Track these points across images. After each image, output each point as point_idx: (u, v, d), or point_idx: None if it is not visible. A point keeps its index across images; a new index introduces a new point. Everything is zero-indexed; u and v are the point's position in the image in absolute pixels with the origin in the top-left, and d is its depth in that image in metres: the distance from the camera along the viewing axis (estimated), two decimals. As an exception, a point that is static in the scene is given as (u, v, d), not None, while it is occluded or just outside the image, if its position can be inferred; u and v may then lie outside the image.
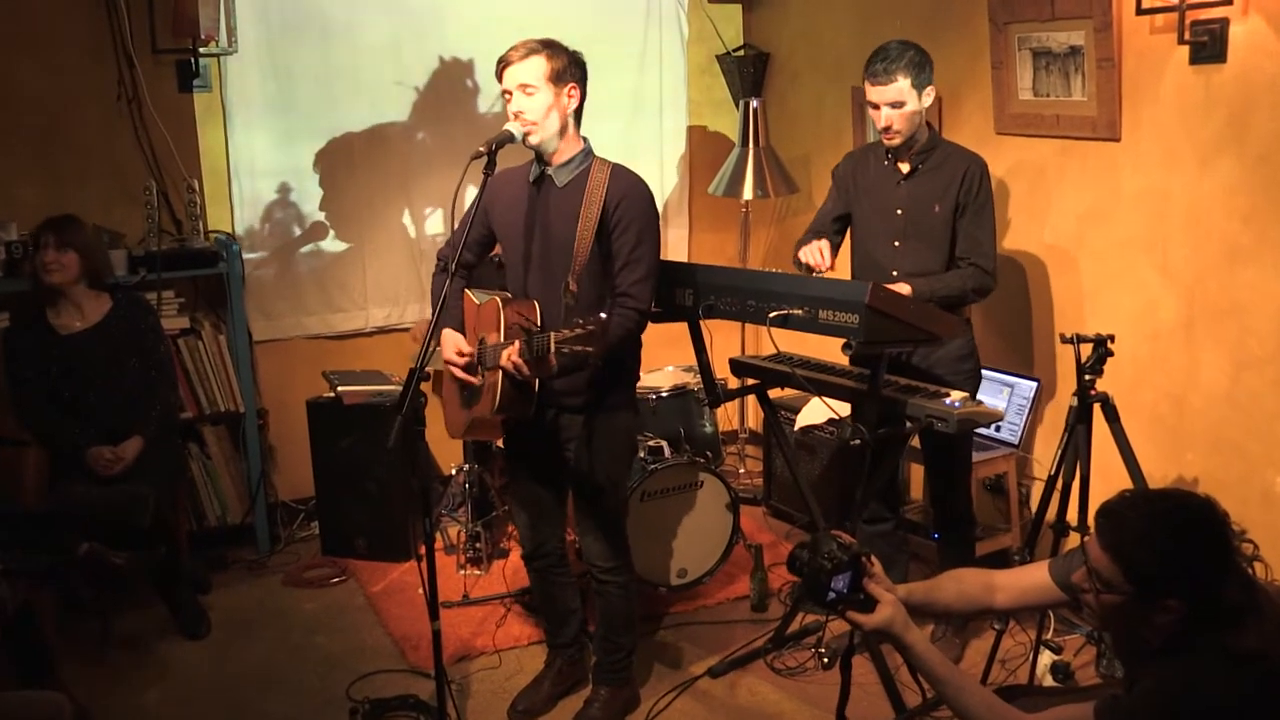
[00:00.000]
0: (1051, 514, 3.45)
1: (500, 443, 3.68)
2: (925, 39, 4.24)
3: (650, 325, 3.36)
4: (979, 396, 3.76)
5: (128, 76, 4.60)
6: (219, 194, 4.88)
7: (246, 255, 4.90)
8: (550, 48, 3.17)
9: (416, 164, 5.17)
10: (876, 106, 3.60)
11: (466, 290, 3.40)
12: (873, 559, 2.28)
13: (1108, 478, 3.56)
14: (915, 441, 3.78)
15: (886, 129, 3.61)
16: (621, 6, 5.46)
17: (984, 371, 4.11)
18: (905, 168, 3.69)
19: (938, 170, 3.63)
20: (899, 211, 3.69)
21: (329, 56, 4.95)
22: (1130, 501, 2.09)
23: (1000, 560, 4.18)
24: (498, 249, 3.42)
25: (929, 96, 3.58)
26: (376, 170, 5.10)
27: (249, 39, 4.78)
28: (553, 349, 2.90)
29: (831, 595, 2.22)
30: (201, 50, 4.67)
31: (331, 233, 5.10)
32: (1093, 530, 2.11)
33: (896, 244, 3.69)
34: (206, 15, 4.49)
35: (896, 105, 3.56)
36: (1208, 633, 2.01)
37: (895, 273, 3.67)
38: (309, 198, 5.03)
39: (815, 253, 3.61)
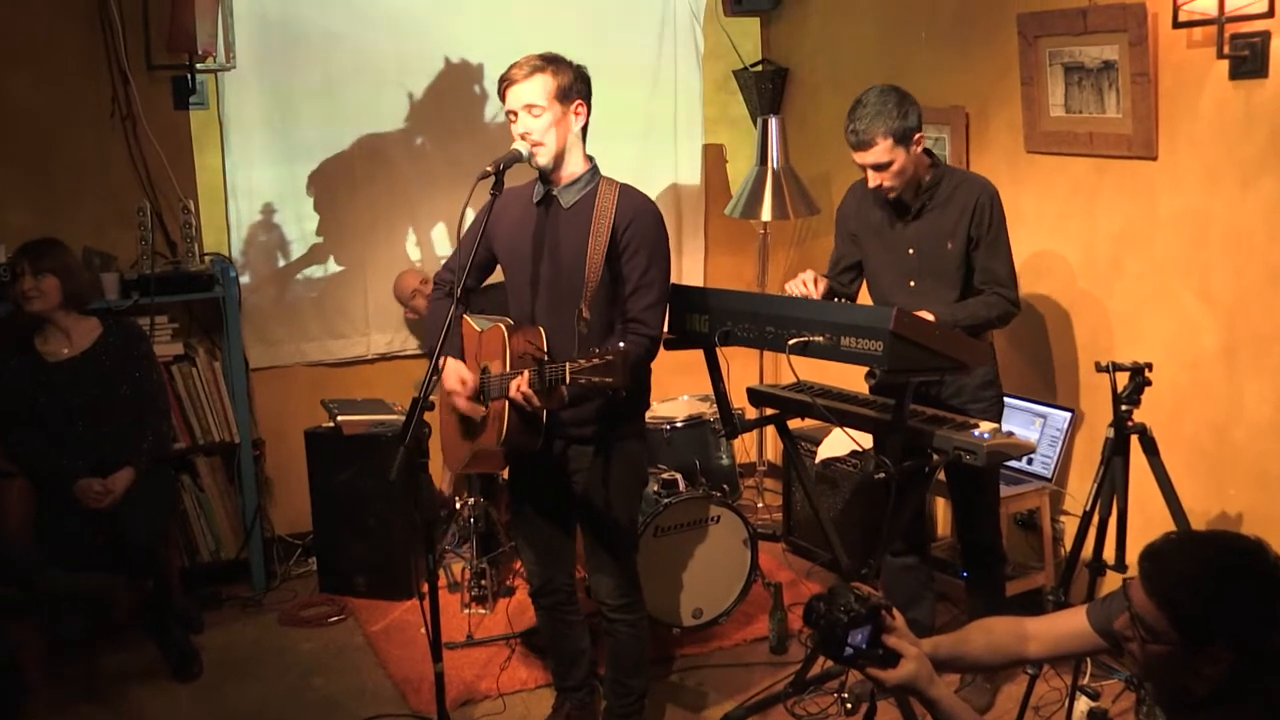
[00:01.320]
0: (1087, 552, 3.41)
1: (505, 475, 3.66)
2: (951, 53, 4.23)
3: (664, 353, 3.36)
4: (1010, 427, 3.71)
5: (122, 93, 4.62)
6: (215, 215, 4.89)
7: (243, 279, 4.90)
8: (554, 64, 3.17)
9: (420, 183, 5.17)
10: (864, 168, 3.56)
11: (465, 316, 3.39)
12: (894, 612, 2.23)
13: (1146, 513, 3.51)
14: (942, 475, 3.73)
15: (878, 188, 3.56)
16: (633, 20, 5.48)
17: (1016, 401, 4.06)
18: (912, 207, 3.65)
19: (946, 205, 3.61)
20: (910, 251, 3.67)
21: (330, 73, 4.96)
22: (1176, 544, 2.04)
23: (1033, 600, 4.14)
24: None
25: (919, 144, 3.53)
26: (379, 190, 5.11)
27: (247, 55, 4.80)
28: (568, 380, 2.89)
29: (849, 651, 2.17)
30: (198, 66, 4.69)
31: (332, 255, 5.10)
32: (1136, 575, 2.06)
33: (911, 284, 3.67)
34: (204, 30, 4.51)
35: (880, 167, 3.51)
36: (1257, 681, 1.96)
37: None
38: (308, 219, 5.04)
39: (800, 285, 3.57)
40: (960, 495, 3.81)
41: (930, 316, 3.41)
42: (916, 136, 3.50)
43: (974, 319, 3.52)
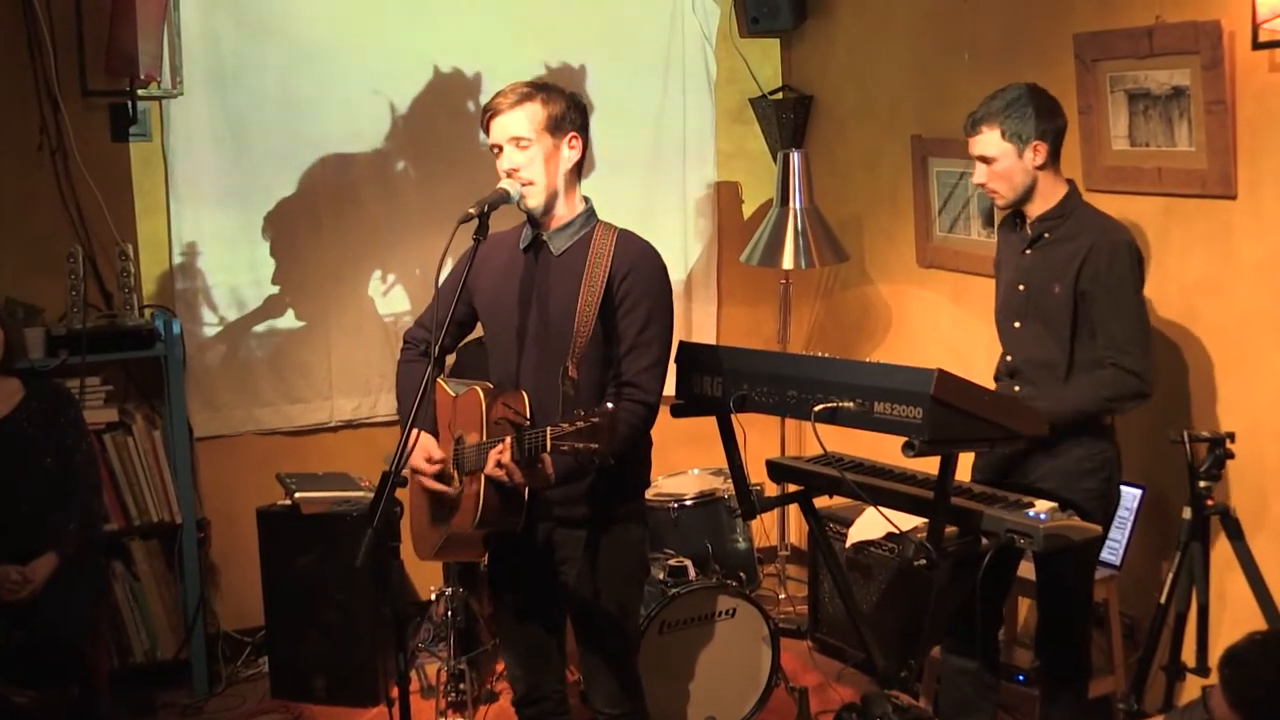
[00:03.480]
0: (1163, 653, 3.34)
1: (484, 563, 3.64)
2: (997, 78, 4.23)
3: (671, 421, 3.37)
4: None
5: (52, 122, 4.64)
6: (157, 262, 4.90)
7: (188, 335, 4.89)
8: (545, 91, 3.19)
9: (394, 227, 5.18)
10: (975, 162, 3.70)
11: (440, 380, 3.38)
12: None
13: (1231, 608, 3.46)
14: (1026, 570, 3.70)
15: (980, 186, 3.70)
16: (635, 42, 5.51)
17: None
18: (1030, 234, 3.71)
19: (1065, 243, 3.64)
20: (1021, 287, 3.72)
21: (292, 99, 4.99)
22: (1263, 647, 2.01)
23: (1102, 709, 4.10)
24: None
25: (1038, 154, 3.60)
26: (346, 234, 5.12)
27: (197, 79, 4.83)
28: (549, 447, 2.88)
29: None
30: (140, 92, 4.71)
31: (291, 308, 5.10)
32: (1217, 682, 2.02)
33: (1017, 324, 3.72)
34: (147, 51, 4.53)
35: (986, 161, 3.63)
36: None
37: (1010, 358, 3.73)
38: (264, 266, 5.04)
39: None
40: (1041, 583, 3.78)
41: (1031, 404, 3.39)
42: (1035, 144, 3.59)
43: (1083, 405, 3.52)
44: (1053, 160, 3.63)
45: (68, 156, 4.66)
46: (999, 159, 3.61)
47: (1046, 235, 3.67)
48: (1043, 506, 3.26)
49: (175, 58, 4.75)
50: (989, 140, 3.60)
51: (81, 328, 4.54)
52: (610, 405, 2.90)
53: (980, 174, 3.66)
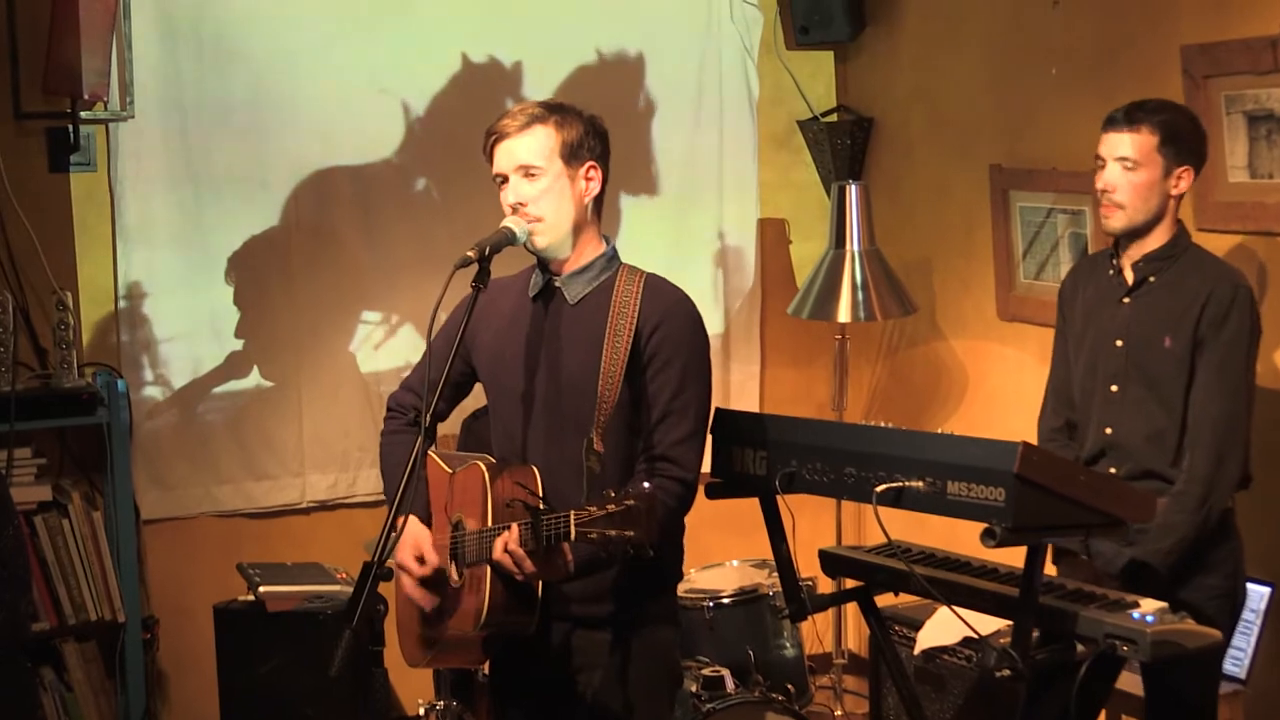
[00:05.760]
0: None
1: (485, 670, 3.62)
2: (1090, 97, 4.25)
3: (706, 503, 3.35)
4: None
5: (-21, 149, 4.69)
6: (101, 312, 4.93)
7: (136, 397, 4.91)
8: (559, 113, 3.20)
9: (379, 272, 5.22)
10: (1104, 165, 3.67)
11: (431, 453, 3.37)
12: None
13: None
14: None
15: (1104, 194, 3.67)
16: (664, 57, 5.55)
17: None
18: (1131, 277, 3.71)
19: (1176, 288, 3.65)
20: (1119, 342, 3.71)
21: (262, 121, 5.04)
22: None
23: None
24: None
25: (1181, 180, 3.63)
26: (322, 280, 5.16)
27: (150, 99, 4.88)
28: (573, 535, 2.86)
29: None
30: (84, 114, 4.75)
31: (256, 367, 5.13)
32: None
33: (1114, 389, 3.71)
34: (91, 67, 4.57)
35: (1126, 165, 3.62)
36: None
37: (1109, 430, 3.70)
38: (226, 318, 5.08)
39: None
40: (1151, 700, 3.76)
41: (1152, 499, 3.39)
42: (1185, 169, 3.62)
43: (1183, 534, 3.52)
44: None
45: (-3, 189, 4.72)
46: (1146, 166, 3.60)
47: (1152, 279, 3.66)
48: (1150, 607, 3.23)
49: (125, 74, 4.80)
50: (1143, 141, 3.59)
51: (10, 390, 4.54)
52: (647, 485, 2.89)
53: (1112, 179, 3.64)
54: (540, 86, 5.21)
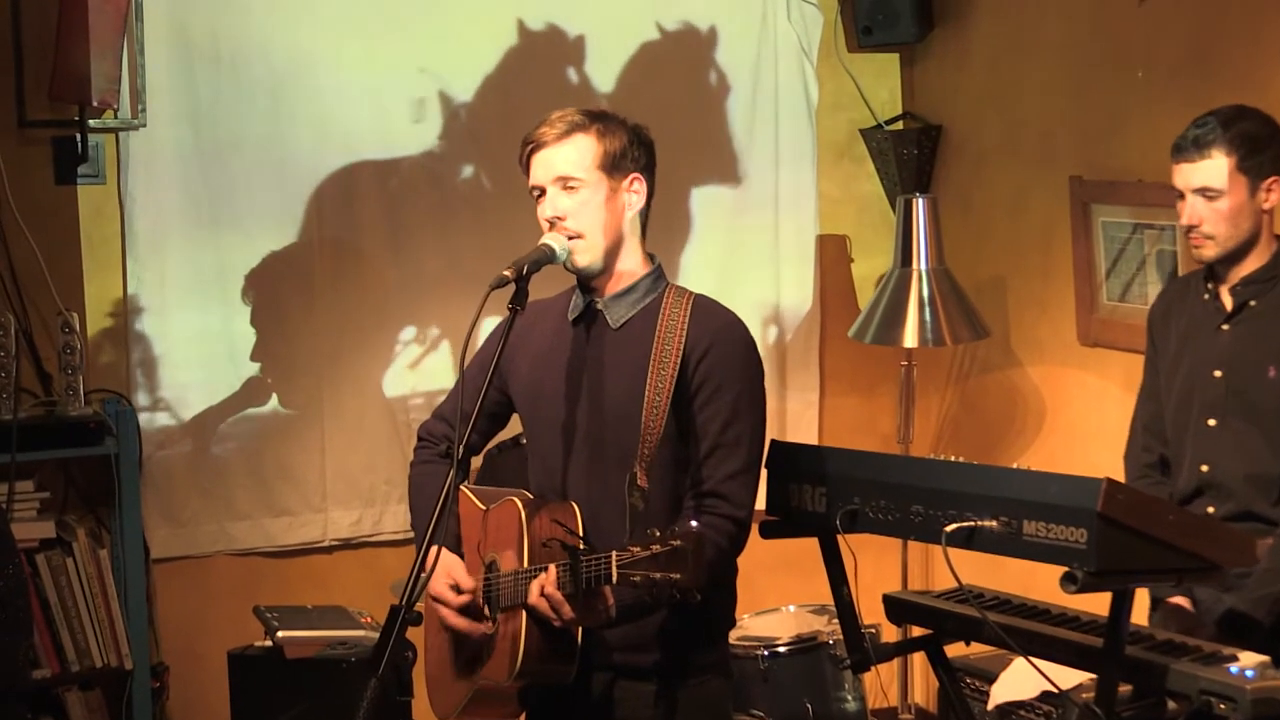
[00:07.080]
0: None
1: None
2: (1183, 102, 4.22)
3: (761, 542, 3.34)
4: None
5: (-20, 160, 4.73)
6: (110, 335, 4.96)
7: (147, 427, 4.94)
8: (601, 121, 3.21)
9: (408, 292, 5.24)
10: (1182, 196, 3.66)
11: (464, 488, 3.38)
12: None
13: None
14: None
15: (1191, 229, 3.65)
16: (714, 58, 5.54)
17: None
18: (1230, 302, 3.69)
19: (1278, 313, 3.62)
20: (1216, 373, 3.69)
21: (280, 134, 5.07)
22: None
23: None
24: None
25: (1270, 193, 3.62)
26: (347, 301, 5.18)
27: (163, 107, 4.91)
28: (615, 578, 2.86)
29: None
30: (93, 123, 4.78)
31: (275, 394, 5.15)
32: None
33: (1211, 423, 3.69)
34: (101, 72, 4.59)
35: (1208, 195, 3.60)
36: None
37: (1205, 467, 3.68)
38: (243, 341, 5.10)
39: None
40: None
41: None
42: (1273, 180, 3.60)
43: None
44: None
45: (0, 203, 4.73)
46: (1227, 194, 3.57)
47: (1252, 304, 3.64)
48: (1250, 661, 3.20)
49: (136, 79, 4.82)
50: (1217, 168, 3.57)
51: (12, 419, 4.57)
52: (694, 524, 2.89)
53: (1195, 212, 3.62)
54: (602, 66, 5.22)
